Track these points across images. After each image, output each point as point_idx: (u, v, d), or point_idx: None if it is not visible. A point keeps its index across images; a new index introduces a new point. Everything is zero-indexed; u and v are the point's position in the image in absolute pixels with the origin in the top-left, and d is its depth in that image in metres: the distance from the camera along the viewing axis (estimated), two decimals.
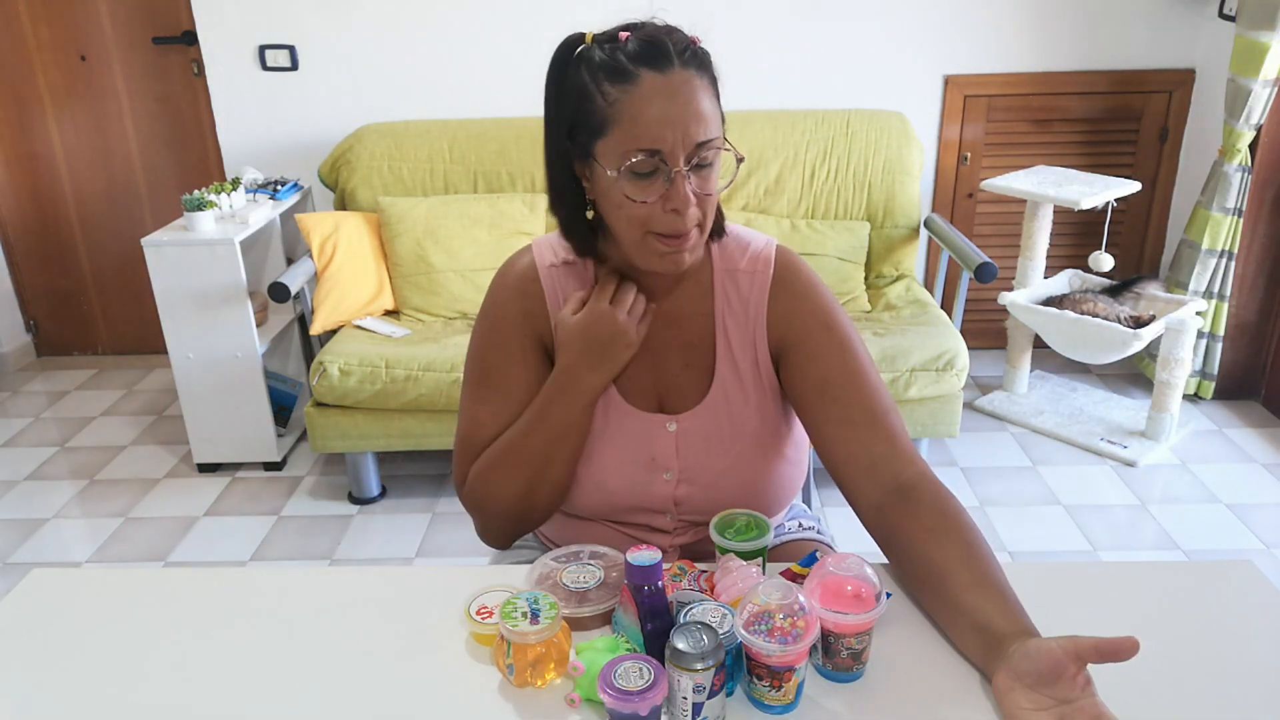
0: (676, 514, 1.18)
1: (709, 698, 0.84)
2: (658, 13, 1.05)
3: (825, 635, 0.91)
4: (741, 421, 1.15)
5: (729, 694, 0.91)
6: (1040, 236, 2.99)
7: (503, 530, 1.18)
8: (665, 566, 0.98)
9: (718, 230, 1.14)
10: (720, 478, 1.15)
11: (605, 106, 0.99)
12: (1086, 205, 2.74)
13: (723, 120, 1.04)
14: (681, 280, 1.15)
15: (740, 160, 1.07)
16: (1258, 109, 2.76)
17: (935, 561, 0.97)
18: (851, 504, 1.09)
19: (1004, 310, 2.97)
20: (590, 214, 1.09)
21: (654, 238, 1.03)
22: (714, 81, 1.03)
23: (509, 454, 1.12)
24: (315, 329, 2.76)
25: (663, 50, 0.98)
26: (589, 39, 1.03)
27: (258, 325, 2.79)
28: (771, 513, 1.20)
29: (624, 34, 1.00)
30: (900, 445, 1.07)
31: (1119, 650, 0.82)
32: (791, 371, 1.13)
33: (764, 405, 1.15)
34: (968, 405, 3.11)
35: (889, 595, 0.95)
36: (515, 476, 1.12)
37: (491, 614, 0.97)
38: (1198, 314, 2.77)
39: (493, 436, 1.14)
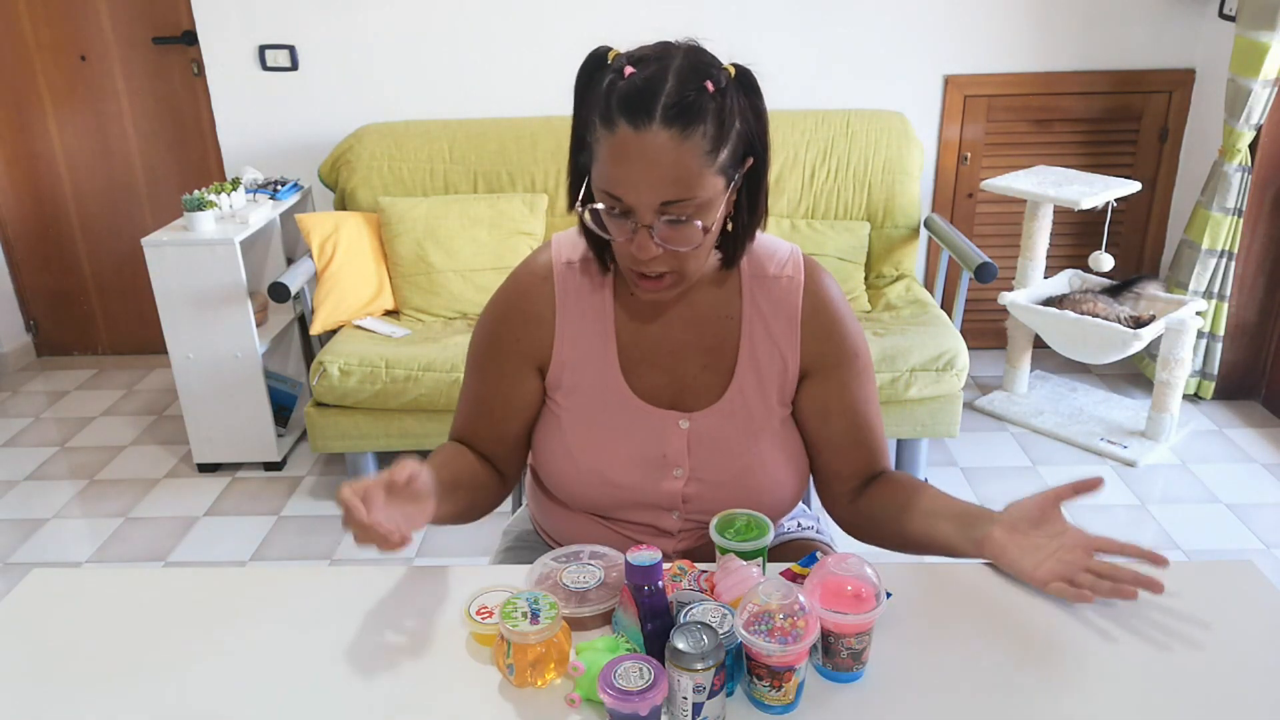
0: (684, 512, 1.17)
1: (709, 698, 0.84)
2: (696, 36, 0.98)
3: (825, 635, 0.91)
4: (758, 424, 1.14)
5: (729, 694, 0.91)
6: (1040, 236, 2.99)
7: None
8: (665, 566, 0.98)
9: (730, 260, 1.11)
10: (731, 478, 1.15)
11: (594, 141, 0.98)
12: (1086, 205, 2.74)
13: (744, 156, 0.99)
14: (707, 283, 1.14)
15: (706, 230, 0.98)
16: (1258, 109, 2.76)
17: (899, 495, 1.13)
18: (826, 503, 1.22)
19: (1004, 310, 2.97)
20: None
21: (632, 271, 1.04)
22: (718, 131, 0.94)
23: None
24: (315, 329, 2.76)
25: (646, 104, 0.92)
26: (611, 56, 0.98)
27: (258, 325, 2.79)
28: (778, 516, 1.20)
29: (630, 69, 0.95)
30: (883, 458, 1.20)
31: (1087, 486, 1.01)
32: (815, 389, 1.15)
33: (783, 409, 1.16)
34: (968, 405, 3.11)
35: (889, 595, 0.95)
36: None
37: (491, 614, 0.97)
38: (1198, 314, 2.77)
39: (460, 425, 1.22)
